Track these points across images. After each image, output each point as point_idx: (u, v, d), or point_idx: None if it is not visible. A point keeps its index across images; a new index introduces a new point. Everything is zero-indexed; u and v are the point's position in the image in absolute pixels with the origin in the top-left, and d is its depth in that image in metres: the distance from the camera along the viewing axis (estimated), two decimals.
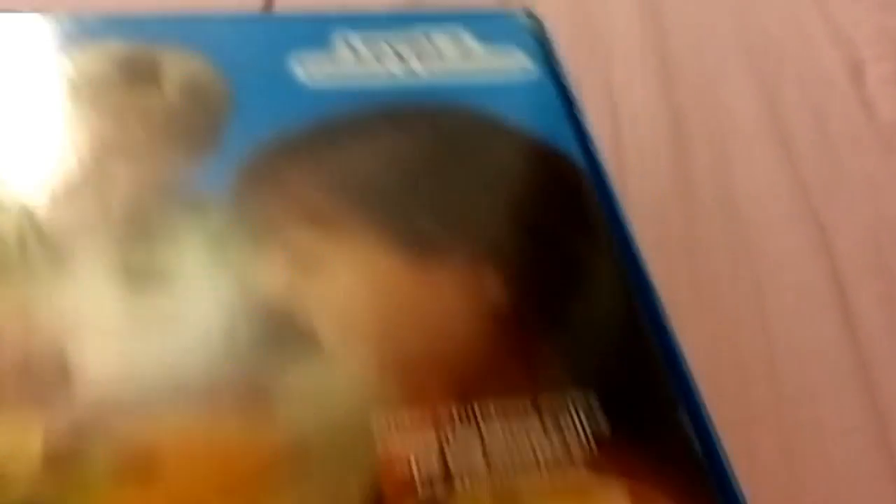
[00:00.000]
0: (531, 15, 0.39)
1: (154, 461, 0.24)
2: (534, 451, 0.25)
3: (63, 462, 0.24)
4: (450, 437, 0.26)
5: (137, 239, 0.28)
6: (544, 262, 0.30)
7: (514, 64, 0.37)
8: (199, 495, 0.24)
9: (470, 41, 0.37)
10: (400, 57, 0.36)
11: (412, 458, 0.25)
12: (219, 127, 0.32)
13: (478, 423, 0.26)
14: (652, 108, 0.39)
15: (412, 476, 0.25)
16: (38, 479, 0.23)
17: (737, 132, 0.39)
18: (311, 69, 0.35)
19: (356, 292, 0.28)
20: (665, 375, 0.28)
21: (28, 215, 0.28)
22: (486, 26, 0.38)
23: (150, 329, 0.27)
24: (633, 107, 0.39)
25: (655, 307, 0.29)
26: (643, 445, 0.26)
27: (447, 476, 0.25)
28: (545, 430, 0.26)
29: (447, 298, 0.29)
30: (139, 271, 0.28)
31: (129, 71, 0.33)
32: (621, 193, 0.35)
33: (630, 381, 0.27)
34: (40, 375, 0.25)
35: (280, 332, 0.27)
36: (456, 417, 0.26)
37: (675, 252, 0.36)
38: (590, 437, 0.26)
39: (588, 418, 0.26)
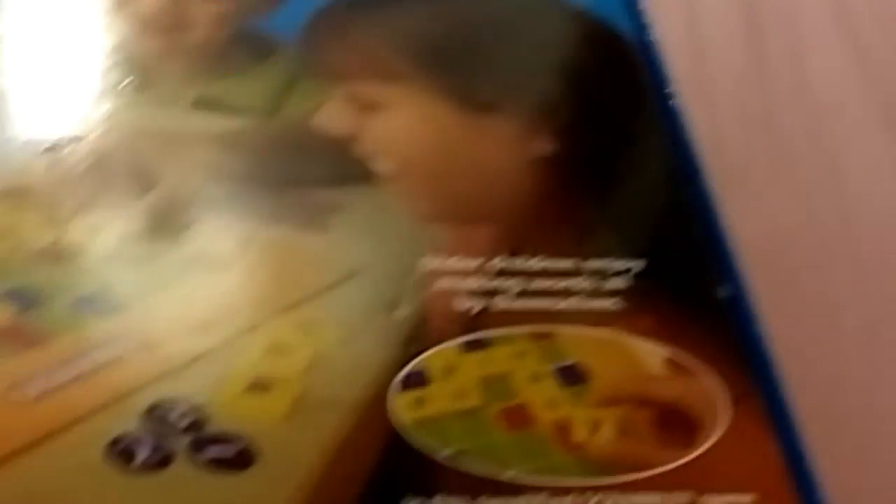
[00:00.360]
0: None
1: (219, 260, 0.26)
2: (573, 305, 0.27)
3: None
4: (495, 283, 0.27)
5: (212, 73, 0.30)
6: (594, 130, 0.31)
7: None
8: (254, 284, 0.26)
9: None
10: None
11: (456, 294, 0.27)
12: None
13: (523, 274, 0.27)
14: (727, 2, 0.40)
15: (456, 310, 0.26)
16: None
17: (808, 19, 0.39)
18: None
19: (413, 136, 0.30)
20: (707, 253, 0.29)
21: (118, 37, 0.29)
22: None
23: (218, 150, 0.28)
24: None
25: (701, 187, 0.30)
26: (682, 317, 0.27)
27: (488, 312, 0.26)
28: (588, 291, 0.27)
29: (500, 152, 0.30)
30: (211, 102, 0.29)
31: None
32: (698, 76, 0.36)
33: (673, 255, 0.29)
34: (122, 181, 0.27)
35: (341, 162, 0.29)
36: (502, 266, 0.28)
37: (752, 128, 0.37)
38: (630, 302, 0.27)
39: (630, 285, 0.28)
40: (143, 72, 0.30)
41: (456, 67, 0.32)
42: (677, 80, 0.34)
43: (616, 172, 0.30)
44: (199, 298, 0.25)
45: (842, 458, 0.27)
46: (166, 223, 0.26)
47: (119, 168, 0.27)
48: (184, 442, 0.22)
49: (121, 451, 0.22)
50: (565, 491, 0.23)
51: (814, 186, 0.35)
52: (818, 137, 0.37)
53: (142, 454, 0.22)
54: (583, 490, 0.23)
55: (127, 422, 0.22)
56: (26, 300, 0.24)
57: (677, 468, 0.24)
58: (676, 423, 0.25)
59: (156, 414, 0.23)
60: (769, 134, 0.37)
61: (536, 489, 0.23)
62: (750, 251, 0.32)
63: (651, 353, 0.26)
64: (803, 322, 0.31)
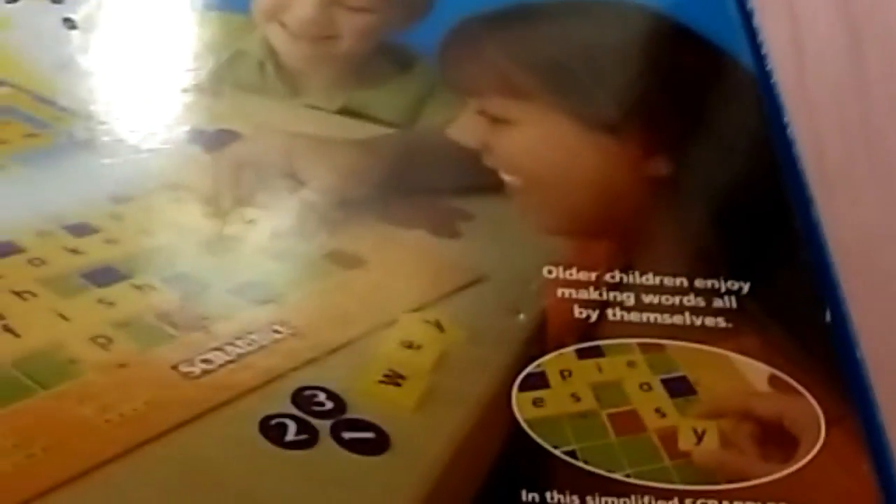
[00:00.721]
0: None
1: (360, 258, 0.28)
2: (683, 321, 0.29)
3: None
4: (609, 296, 0.29)
5: (357, 82, 0.32)
6: (708, 152, 0.33)
7: None
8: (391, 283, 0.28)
9: None
10: None
11: (574, 303, 0.29)
12: None
13: (635, 290, 0.29)
14: (829, 14, 0.41)
15: (573, 318, 0.28)
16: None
17: None
18: None
19: (539, 152, 0.32)
20: (812, 278, 0.30)
21: (268, 45, 0.32)
22: None
23: (361, 155, 0.31)
24: (811, 11, 0.41)
25: (810, 212, 0.32)
26: (785, 339, 0.29)
27: (602, 322, 0.28)
28: (696, 308, 0.29)
29: (618, 170, 0.32)
30: (355, 110, 0.32)
31: None
32: (802, 88, 0.37)
33: (780, 279, 0.30)
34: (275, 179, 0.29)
35: (472, 172, 0.31)
36: (616, 280, 0.29)
37: (853, 137, 0.38)
38: (736, 322, 0.29)
39: (738, 304, 0.29)
40: (293, 77, 0.32)
41: (579, 87, 0.34)
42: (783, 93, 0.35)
43: (727, 196, 0.32)
44: (341, 293, 0.28)
45: None
46: (313, 221, 0.29)
47: (272, 167, 0.30)
48: (327, 424, 0.25)
49: (273, 427, 0.24)
50: (670, 494, 0.25)
51: None
52: None
53: (291, 432, 0.24)
54: (687, 494, 0.25)
55: (278, 403, 0.25)
56: (190, 286, 0.27)
57: (775, 481, 0.26)
58: (776, 439, 0.27)
59: (302, 397, 0.25)
60: (868, 142, 0.38)
61: (644, 490, 0.25)
62: (847, 257, 0.34)
63: (755, 371, 0.28)
64: None
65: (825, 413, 0.27)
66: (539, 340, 0.28)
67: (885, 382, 0.31)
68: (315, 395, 0.25)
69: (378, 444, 0.25)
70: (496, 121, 0.32)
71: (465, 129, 0.32)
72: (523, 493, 0.24)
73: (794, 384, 0.28)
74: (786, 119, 0.34)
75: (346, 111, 0.32)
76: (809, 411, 0.27)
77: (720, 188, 0.32)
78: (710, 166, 0.33)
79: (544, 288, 0.29)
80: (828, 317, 0.29)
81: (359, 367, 0.26)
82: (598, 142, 0.32)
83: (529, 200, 0.31)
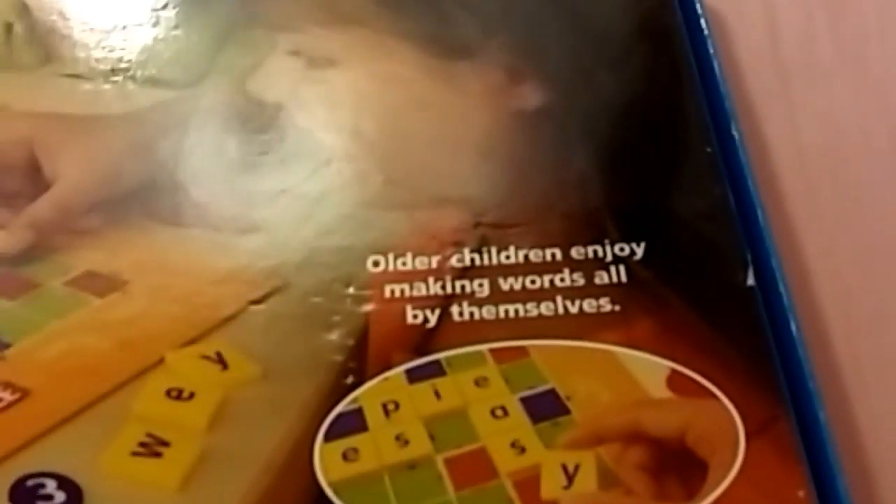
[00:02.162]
0: None
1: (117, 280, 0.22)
2: (553, 310, 0.22)
3: None
4: (455, 287, 0.22)
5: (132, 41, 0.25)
6: (590, 80, 0.25)
7: None
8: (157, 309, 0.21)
9: None
10: None
11: (407, 305, 0.22)
12: None
13: (490, 275, 0.22)
14: None
15: (404, 325, 0.21)
16: None
17: None
18: None
19: (367, 99, 0.24)
20: (727, 228, 0.23)
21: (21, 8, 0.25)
22: None
23: (123, 138, 0.24)
24: None
25: (733, 148, 0.24)
26: (692, 317, 0.22)
27: (445, 326, 0.21)
28: (571, 289, 0.22)
29: (473, 107, 0.24)
30: (125, 73, 0.24)
31: None
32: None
33: (685, 235, 0.23)
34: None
35: (274, 140, 0.24)
36: (467, 263, 0.22)
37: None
38: (626, 302, 0.22)
39: (628, 276, 0.22)
40: (48, 40, 0.25)
41: (422, 5, 0.26)
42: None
43: (609, 133, 0.24)
44: (89, 332, 0.21)
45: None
46: (52, 238, 0.22)
47: (8, 161, 0.23)
48: None
49: None
50: None
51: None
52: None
53: None
54: None
55: None
56: None
57: None
58: (679, 464, 0.19)
59: (24, 490, 0.19)
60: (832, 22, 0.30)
61: None
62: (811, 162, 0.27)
63: (649, 369, 0.21)
64: None
65: (745, 419, 0.20)
66: (357, 365, 0.21)
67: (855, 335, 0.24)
68: (41, 486, 0.19)
69: None
70: (313, 62, 0.25)
71: (270, 78, 0.25)
72: None
73: (702, 381, 0.20)
74: (703, 21, 0.26)
75: (115, 74, 0.25)
76: (722, 420, 0.20)
77: (605, 122, 0.25)
78: (592, 95, 0.25)
79: (367, 288, 0.22)
80: (750, 278, 0.22)
81: (104, 438, 0.19)
82: (447, 72, 0.25)
83: (352, 167, 0.24)
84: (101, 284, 0.22)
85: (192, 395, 0.20)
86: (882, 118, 0.29)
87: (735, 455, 0.19)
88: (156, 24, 0.26)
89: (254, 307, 0.21)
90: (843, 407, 0.23)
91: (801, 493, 0.19)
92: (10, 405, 0.20)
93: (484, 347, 0.21)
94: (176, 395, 0.20)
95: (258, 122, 0.24)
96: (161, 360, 0.21)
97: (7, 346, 0.21)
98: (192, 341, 0.21)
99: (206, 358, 0.21)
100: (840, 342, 0.25)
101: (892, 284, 0.26)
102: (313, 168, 0.24)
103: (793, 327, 0.21)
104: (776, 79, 0.30)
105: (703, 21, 0.26)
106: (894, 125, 0.29)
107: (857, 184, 0.28)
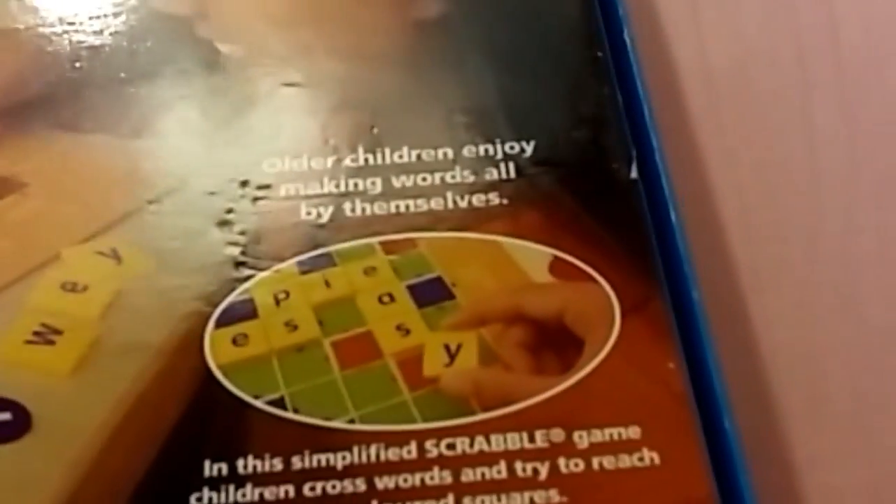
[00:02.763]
0: None
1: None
2: (443, 206, 0.22)
3: None
4: (348, 185, 0.22)
5: None
6: None
7: None
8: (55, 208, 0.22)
9: None
10: None
11: (301, 203, 0.22)
12: None
13: (384, 174, 0.23)
14: None
15: (298, 221, 0.22)
16: None
17: None
18: None
19: (269, 4, 0.25)
20: (613, 124, 0.23)
21: None
22: None
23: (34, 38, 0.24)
24: None
25: (623, 48, 0.25)
26: (577, 209, 0.22)
27: (337, 221, 0.22)
28: (461, 185, 0.23)
29: (374, 15, 0.25)
30: None
31: None
32: None
33: (574, 132, 0.24)
34: None
35: (178, 51, 0.24)
36: (360, 164, 0.23)
37: None
38: (513, 196, 0.22)
39: (517, 173, 0.23)
40: None
41: None
42: None
43: (500, 37, 0.25)
44: None
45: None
46: None
47: None
48: None
49: None
50: (406, 438, 0.19)
51: None
52: None
53: None
54: (428, 435, 0.19)
55: None
56: None
57: (551, 399, 0.19)
58: (557, 342, 0.20)
59: None
60: None
61: (370, 437, 0.19)
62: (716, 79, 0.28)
63: (533, 257, 0.21)
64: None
65: (621, 299, 0.21)
66: (251, 259, 0.21)
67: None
68: None
69: (15, 426, 0.19)
70: None
71: None
72: (206, 465, 0.19)
73: (583, 266, 0.21)
74: None
75: None
76: (600, 300, 0.21)
77: (500, 31, 0.25)
78: (488, 5, 0.26)
79: (264, 187, 0.22)
80: (634, 172, 0.23)
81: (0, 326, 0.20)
82: None
83: (249, 73, 0.24)
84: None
85: (85, 288, 0.21)
86: (790, 40, 0.30)
87: (610, 332, 0.20)
88: None
89: (150, 206, 0.22)
90: (738, 308, 0.24)
91: (671, 365, 0.20)
92: None
93: (374, 240, 0.22)
94: (70, 287, 0.21)
95: (160, 33, 0.25)
96: (57, 256, 0.21)
97: None
98: (89, 239, 0.22)
99: (101, 253, 0.21)
100: (739, 250, 0.26)
101: (791, 196, 0.27)
102: (213, 77, 0.24)
103: (672, 217, 0.22)
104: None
105: None
106: (801, 47, 0.30)
107: (761, 102, 0.29)
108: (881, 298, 0.25)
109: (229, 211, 0.22)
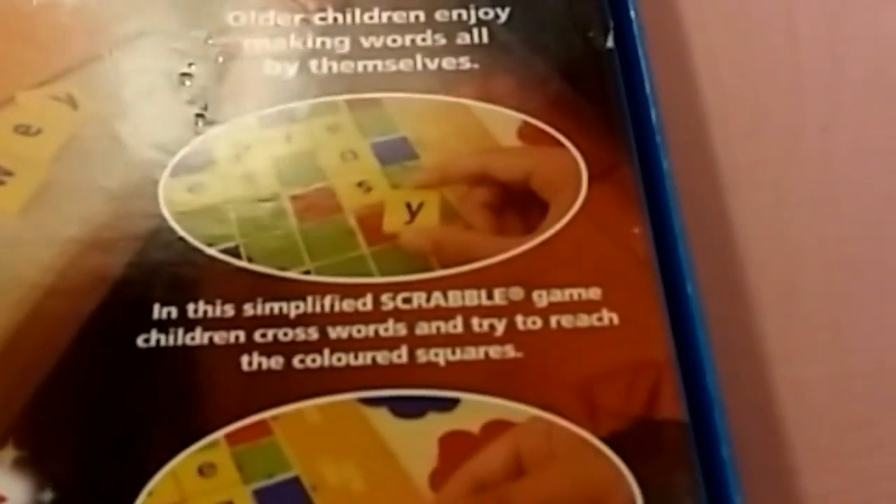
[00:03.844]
0: None
1: None
2: (412, 67, 0.22)
3: None
4: (316, 43, 0.22)
5: None
6: None
7: None
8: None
9: None
10: None
11: (266, 59, 0.21)
12: None
13: (352, 33, 0.22)
14: None
15: (261, 76, 0.21)
16: None
17: None
18: None
19: None
20: (599, 3, 0.23)
21: None
22: None
23: None
24: None
25: None
26: (549, 75, 0.22)
27: (303, 76, 0.21)
28: (431, 48, 0.22)
29: None
30: None
31: None
32: None
33: (553, 3, 0.23)
34: None
35: None
36: (329, 23, 0.22)
37: None
38: (486, 61, 0.22)
39: (490, 38, 0.22)
40: None
41: None
42: None
43: None
44: None
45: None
46: None
47: None
48: None
49: None
50: (361, 290, 0.19)
51: None
52: None
53: None
54: (384, 288, 0.19)
55: None
56: None
57: (511, 259, 0.19)
58: (521, 205, 0.20)
59: None
60: None
61: (324, 289, 0.18)
62: None
63: (502, 121, 0.21)
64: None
65: (590, 165, 0.20)
66: (210, 111, 0.21)
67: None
68: None
69: None
70: None
71: None
72: (156, 308, 0.18)
73: (551, 132, 0.21)
74: None
75: None
76: (567, 165, 0.20)
77: None
78: None
79: (227, 42, 0.22)
80: (610, 41, 0.22)
81: None
82: None
83: None
84: None
85: (39, 131, 0.20)
86: None
87: (576, 196, 0.20)
88: None
89: (110, 54, 0.21)
90: (714, 203, 0.24)
91: (636, 230, 0.19)
92: None
93: (339, 98, 0.21)
94: (23, 130, 0.20)
95: None
96: (10, 99, 0.21)
97: None
98: (44, 83, 0.21)
99: (56, 98, 0.21)
100: (718, 145, 0.25)
101: (771, 93, 0.26)
102: None
103: (647, 87, 0.21)
104: None
105: None
106: None
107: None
108: (857, 196, 0.24)
109: (191, 63, 0.21)
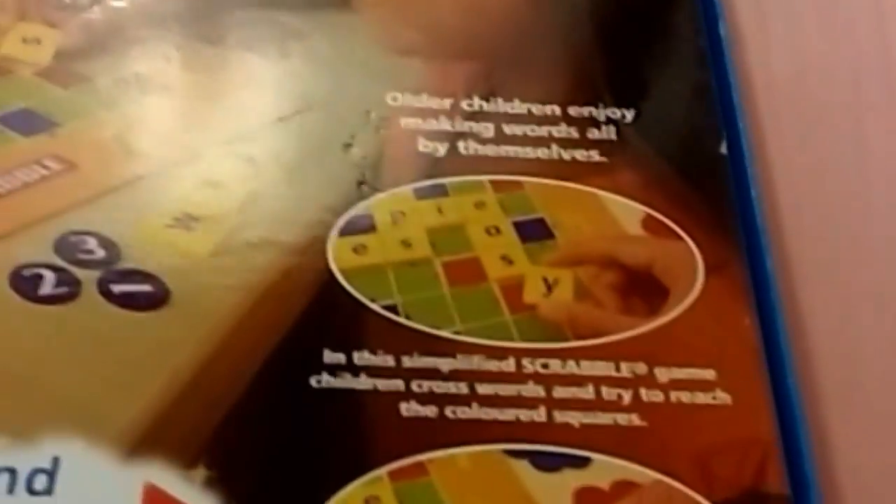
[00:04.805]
0: None
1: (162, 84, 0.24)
2: (549, 155, 0.24)
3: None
4: (464, 127, 0.25)
5: None
6: None
7: None
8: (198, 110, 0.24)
9: None
10: None
11: (419, 136, 0.24)
12: None
13: (496, 120, 0.25)
14: None
15: (416, 153, 0.24)
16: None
17: None
18: None
19: None
20: (707, 104, 0.26)
21: None
22: None
23: None
24: None
25: (717, 37, 0.27)
26: (670, 174, 0.24)
27: (452, 157, 0.24)
28: (566, 140, 0.25)
29: None
30: None
31: None
32: None
33: (669, 106, 0.26)
34: None
35: None
36: (476, 108, 0.25)
37: None
38: (613, 155, 0.24)
39: (617, 135, 0.25)
40: None
41: None
42: None
43: (614, 13, 0.27)
44: (132, 123, 0.23)
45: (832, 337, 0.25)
46: (105, 41, 0.24)
47: None
48: (93, 275, 0.21)
49: (25, 279, 0.21)
50: (505, 352, 0.21)
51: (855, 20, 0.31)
52: None
53: (48, 283, 0.21)
54: (525, 353, 0.21)
55: (37, 249, 0.21)
56: None
57: (637, 337, 0.22)
58: (644, 289, 0.22)
59: (67, 243, 0.21)
60: None
61: (473, 348, 0.21)
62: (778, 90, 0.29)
63: (628, 212, 0.23)
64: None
65: (706, 258, 0.23)
66: (373, 178, 0.23)
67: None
68: (83, 242, 0.21)
69: (154, 297, 0.21)
70: None
71: None
72: (325, 352, 0.21)
73: (672, 225, 0.23)
74: None
75: None
76: (686, 257, 0.23)
77: (610, 5, 0.27)
78: None
79: (386, 118, 0.24)
80: (723, 148, 0.25)
81: (144, 209, 0.22)
82: None
83: (378, 15, 0.26)
84: (145, 85, 0.24)
85: (224, 186, 0.23)
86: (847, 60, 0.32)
87: (693, 285, 0.22)
88: None
89: (281, 122, 0.24)
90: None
91: (747, 321, 0.22)
92: (58, 174, 0.22)
93: (484, 178, 0.24)
94: (211, 184, 0.23)
95: None
96: (200, 155, 0.23)
97: (57, 125, 0.23)
98: (228, 142, 0.23)
99: (239, 156, 0.23)
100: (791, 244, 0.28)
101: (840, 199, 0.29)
102: (343, 14, 0.26)
103: (752, 192, 0.24)
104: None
105: None
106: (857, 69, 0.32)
107: (816, 106, 0.31)
108: None
109: (353, 136, 0.24)
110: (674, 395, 0.21)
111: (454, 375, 0.21)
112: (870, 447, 0.24)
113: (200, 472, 0.19)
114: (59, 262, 0.21)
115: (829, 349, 0.26)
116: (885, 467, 0.24)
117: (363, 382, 0.20)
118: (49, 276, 0.21)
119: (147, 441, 0.19)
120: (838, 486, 0.24)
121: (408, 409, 0.20)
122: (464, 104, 0.25)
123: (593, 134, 0.25)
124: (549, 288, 0.22)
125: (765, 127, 0.29)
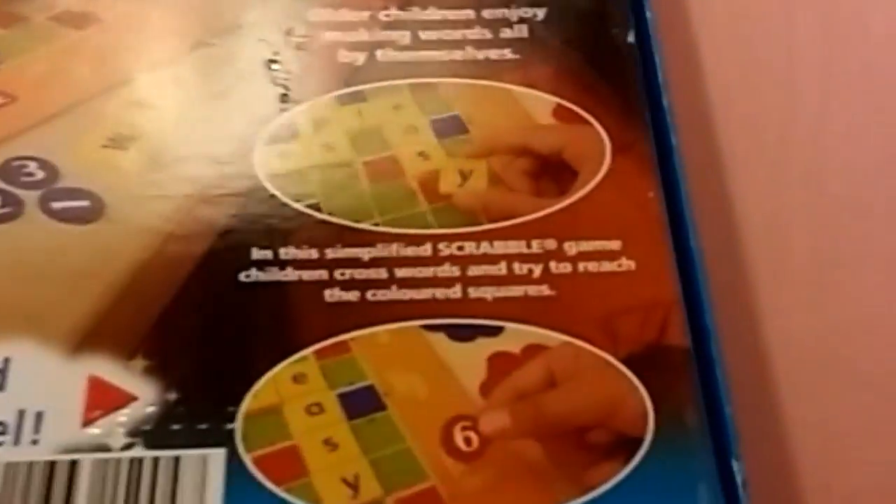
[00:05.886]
0: None
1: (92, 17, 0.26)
2: (463, 56, 0.25)
3: None
4: (381, 36, 0.26)
5: None
6: None
7: None
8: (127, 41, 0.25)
9: None
10: None
11: (340, 49, 0.25)
12: None
13: (413, 28, 0.26)
14: None
15: (336, 64, 0.25)
16: None
17: None
18: None
19: None
20: (623, 4, 0.27)
21: None
22: None
23: None
24: None
25: None
26: (580, 65, 0.25)
27: (371, 65, 0.25)
28: (480, 41, 0.26)
29: None
30: None
31: None
32: None
33: (583, 4, 0.27)
34: None
35: None
36: (393, 19, 0.26)
37: None
38: (525, 52, 0.25)
39: (529, 33, 0.26)
40: None
41: None
42: None
43: None
44: (68, 56, 0.25)
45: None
46: None
47: None
48: (34, 195, 0.22)
49: None
50: (422, 239, 0.22)
51: None
52: None
53: None
54: (441, 238, 0.22)
55: None
56: None
57: (547, 216, 0.23)
58: (555, 173, 0.24)
59: (10, 168, 0.23)
60: None
61: (392, 238, 0.22)
62: None
63: (539, 103, 0.25)
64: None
65: (613, 140, 0.24)
66: (295, 91, 0.25)
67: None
68: (24, 166, 0.23)
69: (92, 211, 0.22)
70: None
71: None
72: (253, 250, 0.22)
73: (581, 112, 0.25)
74: None
75: None
76: (594, 140, 0.24)
77: None
78: None
79: (308, 33, 0.26)
80: (631, 37, 0.26)
81: (80, 133, 0.23)
82: None
83: None
84: (76, 20, 0.25)
85: (153, 106, 0.24)
86: None
87: (602, 166, 0.24)
88: None
89: (211, 41, 0.25)
90: (716, 179, 0.27)
91: (651, 194, 0.23)
92: (1, 107, 0.24)
93: (402, 82, 0.25)
94: (142, 106, 0.24)
95: None
96: (130, 80, 0.25)
97: None
98: (160, 65, 0.25)
99: (167, 78, 0.25)
100: (720, 130, 0.29)
101: (768, 84, 0.30)
102: None
103: (659, 74, 0.25)
104: None
105: None
106: None
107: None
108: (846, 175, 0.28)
109: (276, 52, 0.25)
110: (581, 266, 0.22)
111: (374, 263, 0.22)
112: (798, 311, 0.26)
113: (139, 363, 0.21)
114: (3, 186, 0.22)
115: (758, 224, 0.27)
116: (811, 329, 0.25)
117: (289, 274, 0.22)
118: None
119: (90, 338, 0.21)
120: (767, 349, 0.25)
121: (331, 295, 0.22)
122: (381, 15, 0.26)
123: (506, 34, 0.26)
124: (464, 178, 0.23)
125: (693, 19, 0.31)
